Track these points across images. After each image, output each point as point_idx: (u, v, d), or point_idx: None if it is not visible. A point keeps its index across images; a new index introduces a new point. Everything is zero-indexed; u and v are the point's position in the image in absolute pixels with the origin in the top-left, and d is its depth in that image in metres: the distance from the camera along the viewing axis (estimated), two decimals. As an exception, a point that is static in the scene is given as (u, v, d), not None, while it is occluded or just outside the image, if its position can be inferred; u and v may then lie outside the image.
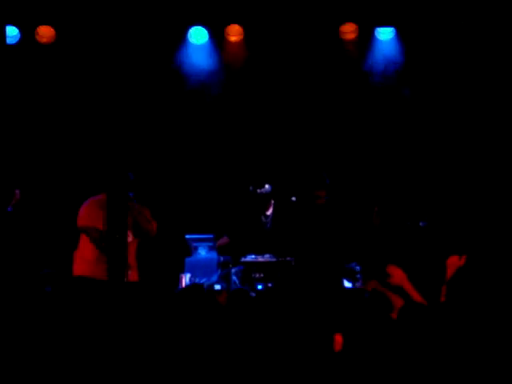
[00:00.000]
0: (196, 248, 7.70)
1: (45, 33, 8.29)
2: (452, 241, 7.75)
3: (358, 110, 8.68)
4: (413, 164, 8.54)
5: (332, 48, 8.42)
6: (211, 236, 7.75)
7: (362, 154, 8.74)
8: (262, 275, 7.26)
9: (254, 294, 6.62)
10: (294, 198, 7.35)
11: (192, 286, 7.14)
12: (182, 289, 7.12)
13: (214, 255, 7.61)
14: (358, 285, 7.23)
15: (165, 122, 8.75)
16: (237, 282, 7.36)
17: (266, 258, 7.53)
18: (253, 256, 7.52)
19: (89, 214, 6.89)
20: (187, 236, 7.73)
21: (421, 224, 7.27)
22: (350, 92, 8.61)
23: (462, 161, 8.44)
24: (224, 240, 7.79)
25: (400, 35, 8.39)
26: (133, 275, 6.95)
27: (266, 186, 7.48)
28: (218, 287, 7.02)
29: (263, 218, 7.71)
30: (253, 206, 7.63)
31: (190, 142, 8.82)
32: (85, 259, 6.81)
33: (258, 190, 7.47)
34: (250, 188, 7.52)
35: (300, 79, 8.64)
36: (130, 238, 6.84)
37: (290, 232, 7.42)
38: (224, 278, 7.36)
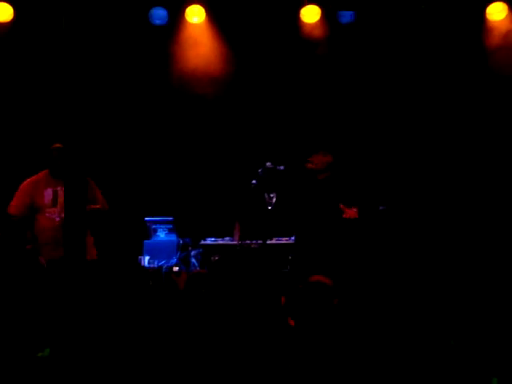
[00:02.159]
0: (155, 230, 7.68)
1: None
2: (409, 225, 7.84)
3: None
4: (374, 148, 8.56)
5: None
6: (170, 219, 7.72)
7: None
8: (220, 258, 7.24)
9: None
10: (281, 167, 7.18)
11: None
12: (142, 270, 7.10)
13: (173, 237, 7.60)
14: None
15: (132, 102, 8.63)
16: (196, 264, 7.35)
17: (226, 240, 7.54)
18: (212, 239, 7.51)
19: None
20: (146, 218, 7.69)
21: (380, 208, 7.31)
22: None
23: (423, 144, 8.49)
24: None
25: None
26: (90, 254, 6.72)
27: (281, 167, 7.28)
28: (176, 269, 7.00)
29: (267, 198, 7.51)
30: (263, 187, 7.45)
31: (156, 123, 8.74)
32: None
33: (277, 167, 7.24)
34: (268, 164, 7.29)
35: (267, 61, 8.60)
36: None
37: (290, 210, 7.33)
38: (183, 261, 7.35)
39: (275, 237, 7.51)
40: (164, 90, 8.62)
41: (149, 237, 7.67)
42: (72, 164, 6.25)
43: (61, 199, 6.26)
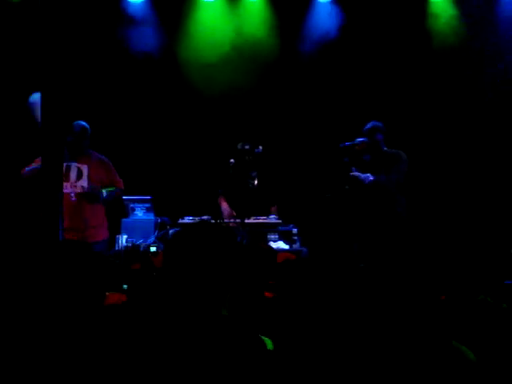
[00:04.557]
0: (133, 209, 7.65)
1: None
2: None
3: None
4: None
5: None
6: (148, 197, 7.69)
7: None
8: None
9: None
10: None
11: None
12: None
13: (151, 216, 7.57)
14: (294, 247, 7.27)
15: (109, 83, 8.62)
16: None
17: (204, 219, 7.51)
18: (190, 218, 7.49)
19: None
20: (124, 197, 7.66)
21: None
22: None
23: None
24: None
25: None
26: (101, 233, 7.16)
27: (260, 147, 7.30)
28: (153, 249, 6.98)
29: (249, 177, 7.49)
30: (241, 165, 7.43)
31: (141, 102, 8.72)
32: None
33: (245, 147, 7.24)
34: (239, 145, 7.29)
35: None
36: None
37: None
38: (161, 240, 7.33)
39: (253, 215, 7.49)
40: (138, 72, 8.63)
41: (127, 215, 7.64)
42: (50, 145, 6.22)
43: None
